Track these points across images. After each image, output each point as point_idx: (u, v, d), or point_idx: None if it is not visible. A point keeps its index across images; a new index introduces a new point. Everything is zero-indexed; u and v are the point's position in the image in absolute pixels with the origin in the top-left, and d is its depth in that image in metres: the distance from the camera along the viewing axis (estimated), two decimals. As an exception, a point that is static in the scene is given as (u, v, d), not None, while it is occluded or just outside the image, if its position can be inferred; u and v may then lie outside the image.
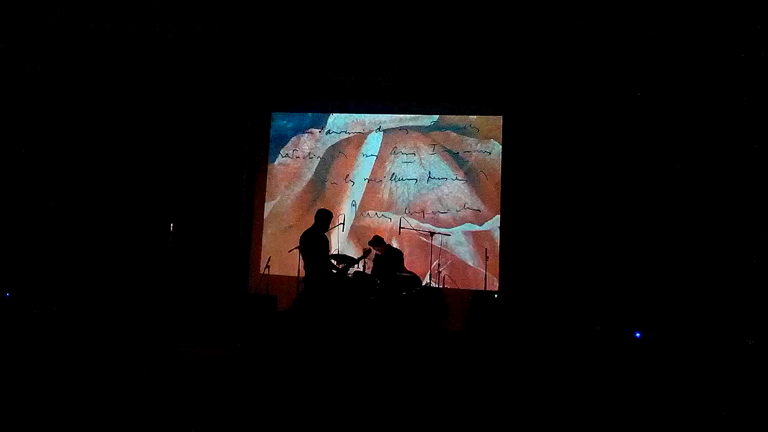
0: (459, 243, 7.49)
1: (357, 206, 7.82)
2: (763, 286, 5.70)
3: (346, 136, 7.96)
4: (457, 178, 7.60)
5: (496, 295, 7.03)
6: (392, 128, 7.85)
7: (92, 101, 7.42)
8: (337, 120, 8.01)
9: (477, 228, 7.48)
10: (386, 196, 7.75)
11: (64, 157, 7.39)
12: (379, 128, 7.87)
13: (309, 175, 8.00)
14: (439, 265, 7.21)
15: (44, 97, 7.31)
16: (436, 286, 7.06)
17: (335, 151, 7.97)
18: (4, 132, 7.24)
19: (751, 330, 5.54)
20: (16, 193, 7.25)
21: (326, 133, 8.01)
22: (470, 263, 7.47)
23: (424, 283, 6.96)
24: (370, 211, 7.77)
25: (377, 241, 6.79)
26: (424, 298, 6.44)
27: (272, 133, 8.14)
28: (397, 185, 7.73)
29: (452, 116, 7.74)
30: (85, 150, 7.43)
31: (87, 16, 6.49)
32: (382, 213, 7.73)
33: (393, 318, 6.18)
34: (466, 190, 7.58)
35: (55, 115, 7.37)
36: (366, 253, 6.56)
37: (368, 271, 6.68)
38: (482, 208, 7.51)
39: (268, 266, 7.21)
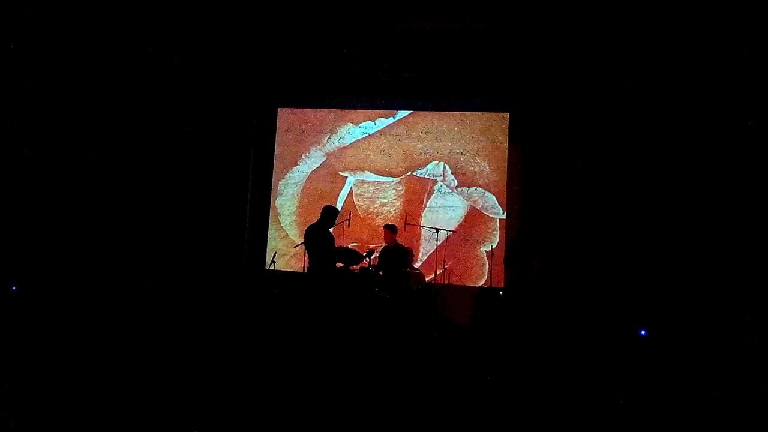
0: (464, 239, 7.48)
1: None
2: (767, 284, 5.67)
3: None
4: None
5: (501, 292, 7.02)
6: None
7: (101, 96, 7.46)
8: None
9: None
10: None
11: (74, 149, 7.45)
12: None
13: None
14: (444, 261, 7.20)
15: (52, 88, 7.34)
16: (441, 283, 7.05)
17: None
18: (12, 129, 7.28)
19: (755, 328, 5.52)
20: (23, 187, 7.29)
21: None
22: (475, 259, 7.46)
23: (428, 279, 6.96)
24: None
25: (393, 228, 6.85)
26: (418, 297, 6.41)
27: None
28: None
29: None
30: (95, 144, 7.49)
31: (93, 10, 6.51)
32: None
33: (397, 313, 6.18)
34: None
35: (74, 106, 7.42)
36: (369, 253, 6.54)
37: (373, 265, 6.67)
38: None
39: (273, 261, 7.21)
